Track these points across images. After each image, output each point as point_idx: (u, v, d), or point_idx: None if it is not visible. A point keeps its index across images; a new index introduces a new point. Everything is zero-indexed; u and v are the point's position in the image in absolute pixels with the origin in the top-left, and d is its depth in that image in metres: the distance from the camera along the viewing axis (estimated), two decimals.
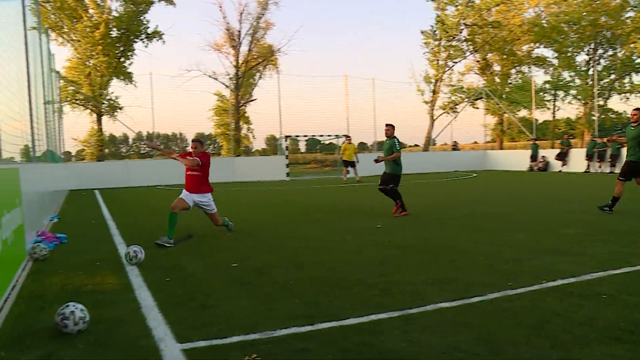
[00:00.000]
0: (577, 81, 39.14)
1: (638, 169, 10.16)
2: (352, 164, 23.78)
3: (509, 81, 42.42)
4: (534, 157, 29.17)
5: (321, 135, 30.77)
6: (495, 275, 5.58)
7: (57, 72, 24.66)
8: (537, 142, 30.53)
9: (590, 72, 37.22)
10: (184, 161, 8.56)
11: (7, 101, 7.38)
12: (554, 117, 43.59)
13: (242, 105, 41.66)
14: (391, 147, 11.27)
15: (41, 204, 10.06)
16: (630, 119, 10.48)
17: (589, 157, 26.44)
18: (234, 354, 3.61)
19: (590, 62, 38.77)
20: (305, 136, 31.09)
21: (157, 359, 3.58)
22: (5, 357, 3.65)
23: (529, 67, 42.74)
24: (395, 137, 11.43)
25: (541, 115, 43.42)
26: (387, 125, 11.64)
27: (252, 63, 42.53)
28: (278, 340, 3.85)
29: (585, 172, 26.15)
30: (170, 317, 4.46)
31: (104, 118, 33.70)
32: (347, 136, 25.60)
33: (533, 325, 4.00)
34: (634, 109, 10.38)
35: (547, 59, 41.58)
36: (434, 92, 42.52)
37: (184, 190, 8.65)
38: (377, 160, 11.46)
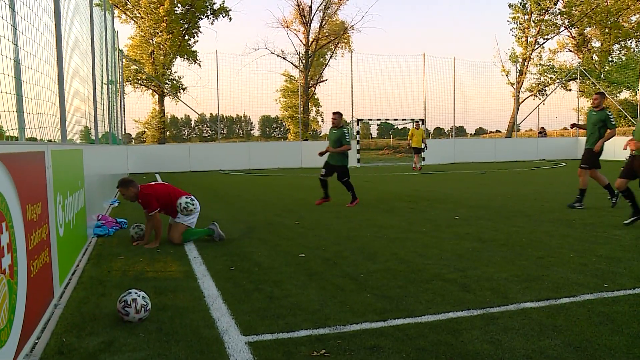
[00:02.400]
0: None
1: (596, 158, 10.18)
2: (419, 151, 23.81)
3: (610, 58, 40.56)
4: None
5: (395, 120, 30.54)
6: (588, 275, 5.39)
7: (120, 51, 25.56)
8: None
9: None
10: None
11: (72, 80, 7.70)
12: None
13: (312, 87, 41.92)
14: (340, 137, 11.26)
15: (102, 187, 10.48)
16: (592, 104, 10.47)
17: None
18: (301, 349, 3.65)
19: None
20: (377, 120, 30.95)
21: (221, 351, 3.66)
22: (67, 343, 3.81)
23: (637, 41, 40.68)
24: (343, 126, 11.48)
25: None
26: (334, 113, 11.61)
27: (323, 41, 42.71)
28: (348, 335, 3.87)
29: None
30: (234, 308, 4.56)
31: (166, 99, 34.71)
32: (416, 121, 25.40)
33: (636, 333, 3.83)
34: (595, 93, 10.43)
35: None
36: (521, 72, 41.33)
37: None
38: (321, 153, 11.65)
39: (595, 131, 10.27)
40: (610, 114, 10.26)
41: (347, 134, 11.29)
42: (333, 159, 11.43)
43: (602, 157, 10.38)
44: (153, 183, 7.81)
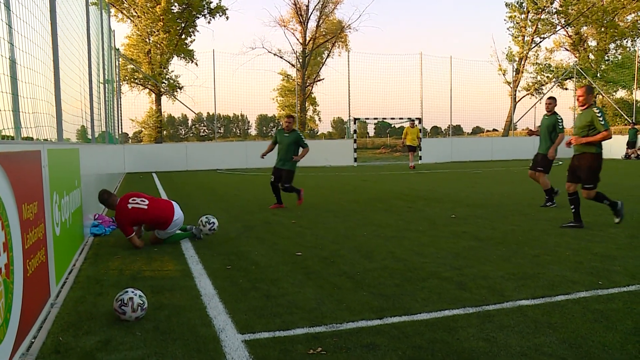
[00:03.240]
0: None
1: (551, 162, 10.43)
2: (414, 149, 23.93)
3: (606, 58, 40.68)
4: (631, 144, 27.97)
5: (392, 119, 30.54)
6: (583, 273, 5.41)
7: (117, 50, 25.53)
8: (636, 126, 29.21)
9: None
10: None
11: (68, 79, 7.69)
12: None
13: (309, 86, 41.97)
14: (295, 141, 10.85)
15: (98, 187, 10.47)
16: (545, 108, 10.64)
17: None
18: (298, 347, 3.66)
19: None
20: (375, 119, 30.98)
21: (217, 349, 3.67)
22: (63, 342, 3.81)
23: (633, 41, 40.82)
24: (296, 130, 11.11)
25: None
26: (288, 116, 11.20)
27: (320, 40, 42.75)
28: (345, 333, 3.88)
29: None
30: (231, 307, 4.56)
31: (163, 98, 34.68)
32: (411, 120, 25.46)
33: (630, 330, 3.85)
34: (547, 98, 10.66)
35: None
36: (518, 71, 41.43)
37: None
38: (264, 155, 11.36)
39: (547, 136, 10.44)
40: (559, 118, 10.41)
41: (303, 137, 10.99)
42: (286, 164, 10.93)
43: (559, 155, 10.47)
44: (130, 205, 7.05)
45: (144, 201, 7.19)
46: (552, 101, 10.58)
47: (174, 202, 7.54)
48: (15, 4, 4.78)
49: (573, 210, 8.19)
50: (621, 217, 8.03)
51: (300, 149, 11.03)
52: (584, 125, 7.86)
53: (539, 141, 10.73)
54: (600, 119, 7.69)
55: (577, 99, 8.07)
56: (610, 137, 7.80)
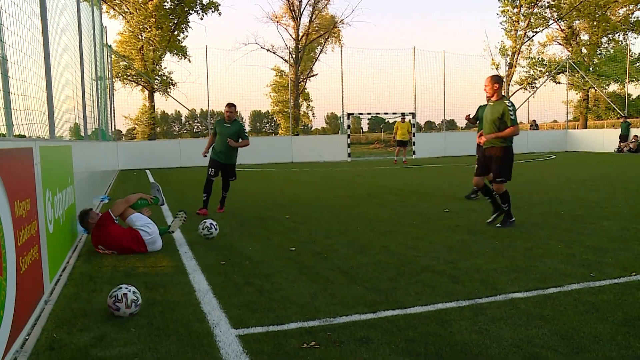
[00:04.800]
0: None
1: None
2: (405, 144, 23.93)
3: (599, 51, 40.79)
4: (624, 137, 28.09)
5: (386, 113, 30.52)
6: (575, 265, 5.44)
7: (109, 47, 25.41)
8: (628, 120, 29.33)
9: None
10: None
11: (60, 76, 7.66)
12: None
13: (302, 81, 41.90)
14: (238, 132, 9.97)
15: (91, 184, 10.45)
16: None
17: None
18: (291, 341, 3.67)
19: None
20: (368, 114, 30.94)
21: (211, 344, 3.68)
22: (58, 339, 3.82)
23: (625, 35, 40.94)
24: (238, 120, 10.22)
25: (636, 90, 41.84)
26: (229, 105, 10.10)
27: (313, 35, 42.71)
28: (338, 327, 3.90)
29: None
30: (225, 302, 4.57)
31: (156, 95, 34.54)
32: (403, 114, 25.47)
33: (620, 321, 3.88)
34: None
35: None
36: (511, 65, 41.49)
37: None
38: (205, 153, 10.44)
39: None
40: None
41: (244, 129, 10.15)
42: (228, 157, 10.08)
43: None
44: (101, 250, 6.62)
45: (113, 253, 6.61)
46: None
47: (145, 240, 6.72)
48: (5, 0, 4.76)
49: (490, 200, 8.06)
50: (494, 220, 7.91)
51: (240, 140, 10.07)
52: (495, 118, 7.69)
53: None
54: (511, 113, 7.57)
55: (484, 89, 7.87)
56: (518, 133, 7.67)
